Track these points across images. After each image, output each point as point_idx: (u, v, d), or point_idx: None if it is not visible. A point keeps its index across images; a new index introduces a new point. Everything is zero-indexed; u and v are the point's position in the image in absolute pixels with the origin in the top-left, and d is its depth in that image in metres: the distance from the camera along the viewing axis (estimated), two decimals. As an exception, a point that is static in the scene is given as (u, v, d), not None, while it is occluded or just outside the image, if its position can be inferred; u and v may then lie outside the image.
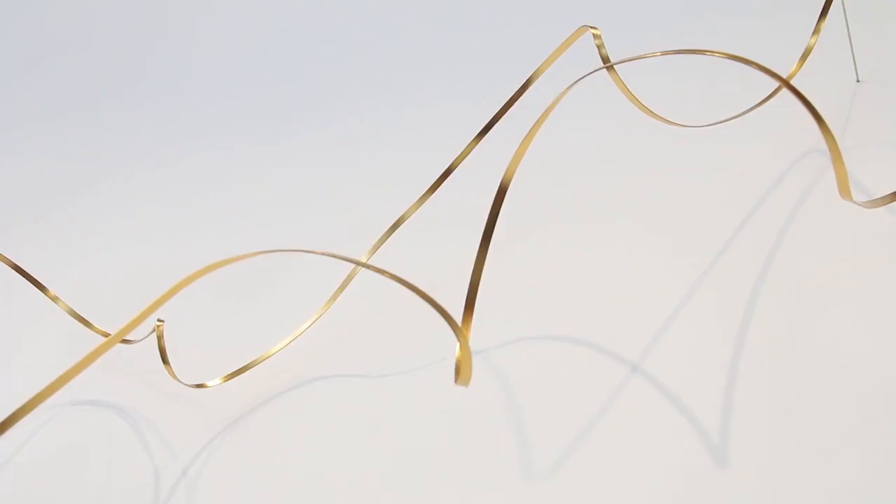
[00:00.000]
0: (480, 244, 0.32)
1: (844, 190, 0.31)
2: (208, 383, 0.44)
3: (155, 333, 0.44)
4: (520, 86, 0.42)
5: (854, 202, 0.31)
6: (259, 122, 0.84)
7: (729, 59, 0.31)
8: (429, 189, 0.46)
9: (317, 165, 0.71)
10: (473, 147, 0.45)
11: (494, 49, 0.84)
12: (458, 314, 0.30)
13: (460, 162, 0.45)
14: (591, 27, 0.44)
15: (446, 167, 0.45)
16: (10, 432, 0.23)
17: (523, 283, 0.45)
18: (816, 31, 0.49)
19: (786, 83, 0.30)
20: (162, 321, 0.44)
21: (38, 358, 0.53)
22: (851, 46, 0.54)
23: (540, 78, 0.41)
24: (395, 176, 0.63)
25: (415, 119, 0.74)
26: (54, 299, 0.50)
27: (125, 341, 0.45)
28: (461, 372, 0.29)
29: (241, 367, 0.44)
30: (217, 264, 0.26)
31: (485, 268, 0.33)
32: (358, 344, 0.45)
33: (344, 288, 0.47)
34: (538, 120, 0.34)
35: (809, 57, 0.49)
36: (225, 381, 0.44)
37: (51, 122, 1.02)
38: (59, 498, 0.41)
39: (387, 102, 0.80)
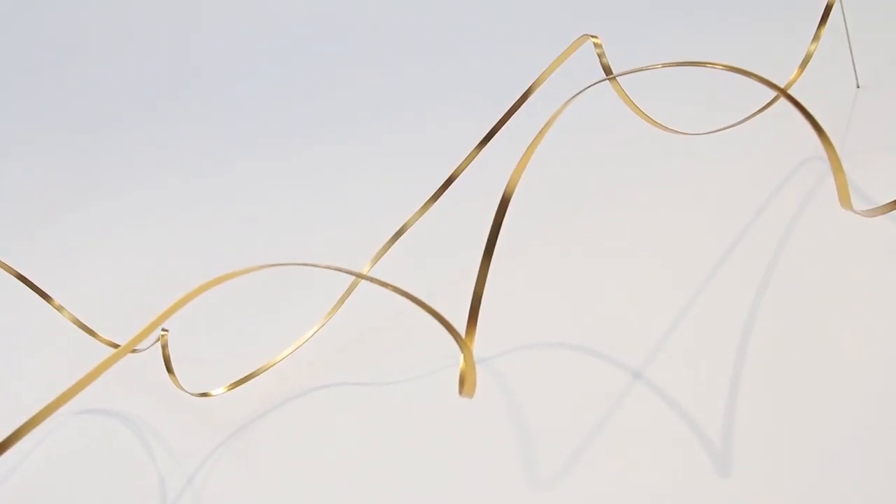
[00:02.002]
0: (483, 254, 0.32)
1: (845, 199, 0.31)
2: (213, 392, 0.44)
3: (159, 343, 0.44)
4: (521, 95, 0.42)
5: (854, 211, 0.32)
6: (263, 135, 0.85)
7: (729, 70, 0.32)
8: (430, 199, 0.46)
9: (320, 177, 0.71)
10: (474, 157, 0.45)
11: (499, 59, 0.84)
12: (460, 323, 0.31)
13: (461, 171, 0.45)
14: (592, 36, 0.44)
15: (448, 177, 0.46)
16: (17, 443, 0.23)
17: (526, 292, 0.45)
18: (816, 37, 0.49)
19: (784, 93, 0.31)
20: (167, 330, 0.44)
21: (44, 367, 0.53)
22: (851, 52, 0.54)
23: (544, 86, 0.41)
24: (398, 187, 0.63)
25: (417, 130, 0.74)
26: (59, 309, 0.50)
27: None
28: (465, 384, 0.29)
29: (245, 375, 0.44)
30: (223, 277, 0.27)
31: (488, 278, 0.33)
32: (361, 353, 0.45)
33: (346, 298, 0.47)
34: (540, 131, 0.34)
35: (809, 63, 0.50)
36: (229, 389, 0.44)
37: (60, 131, 1.02)
38: (64, 507, 0.41)
39: (388, 113, 0.80)
